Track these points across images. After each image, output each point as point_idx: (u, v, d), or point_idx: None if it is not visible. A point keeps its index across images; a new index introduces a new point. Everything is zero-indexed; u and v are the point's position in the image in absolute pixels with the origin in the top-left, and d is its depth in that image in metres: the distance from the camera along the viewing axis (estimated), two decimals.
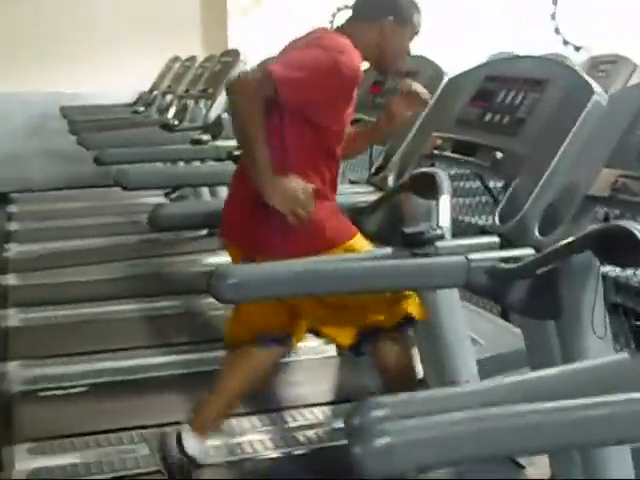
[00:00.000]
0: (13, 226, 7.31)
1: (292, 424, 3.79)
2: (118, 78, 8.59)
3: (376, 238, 3.36)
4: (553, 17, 9.21)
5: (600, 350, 2.55)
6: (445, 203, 2.96)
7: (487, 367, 3.77)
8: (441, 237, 2.65)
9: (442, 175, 3.06)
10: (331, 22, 9.13)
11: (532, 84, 3.03)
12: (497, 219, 2.83)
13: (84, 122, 7.39)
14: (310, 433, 3.68)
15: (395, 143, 3.68)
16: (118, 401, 4.02)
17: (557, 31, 9.20)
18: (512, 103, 3.07)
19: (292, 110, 2.85)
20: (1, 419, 3.86)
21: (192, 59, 7.77)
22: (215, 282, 2.40)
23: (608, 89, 7.26)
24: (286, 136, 2.91)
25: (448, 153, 3.27)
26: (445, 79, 3.66)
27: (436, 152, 3.33)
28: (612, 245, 2.24)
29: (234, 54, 6.70)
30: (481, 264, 2.54)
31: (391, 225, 3.33)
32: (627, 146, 2.51)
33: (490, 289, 2.56)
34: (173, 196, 7.07)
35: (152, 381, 4.22)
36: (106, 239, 6.76)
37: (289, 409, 3.89)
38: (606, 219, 2.57)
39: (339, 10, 9.18)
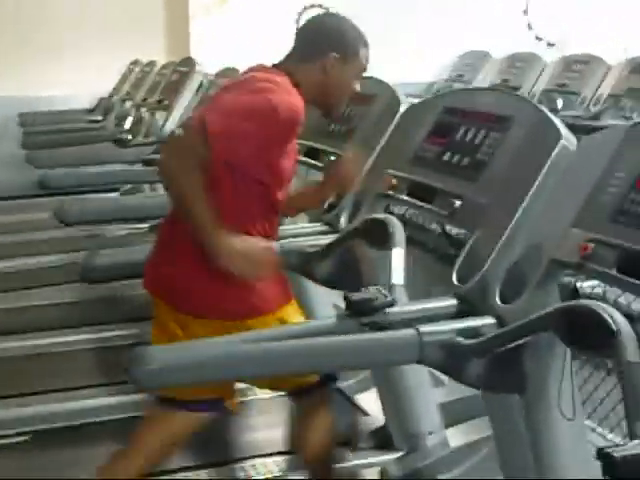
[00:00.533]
0: None
1: None
2: (81, 81, 8.25)
3: (328, 285, 3.08)
4: (525, 12, 8.89)
5: (570, 431, 2.27)
6: (398, 257, 2.65)
7: (451, 411, 3.52)
8: (391, 304, 2.34)
9: (395, 223, 2.75)
10: (297, 21, 8.77)
11: (494, 121, 2.73)
12: (454, 278, 2.52)
13: (37, 134, 7.07)
14: None
15: None
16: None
17: (530, 27, 8.90)
18: (472, 141, 2.78)
19: (227, 164, 2.53)
20: None
21: (151, 64, 7.45)
22: (134, 368, 2.09)
23: (581, 91, 7.02)
24: (223, 191, 2.59)
25: (403, 196, 2.95)
26: (402, 108, 3.34)
27: (391, 193, 3.01)
28: (576, 326, 1.93)
29: (190, 63, 6.37)
30: (435, 338, 2.23)
31: (344, 272, 3.00)
32: (598, 203, 2.21)
33: (446, 366, 2.26)
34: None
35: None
36: (48, 257, 6.29)
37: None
38: (575, 290, 2.25)
39: (305, 8, 8.82)
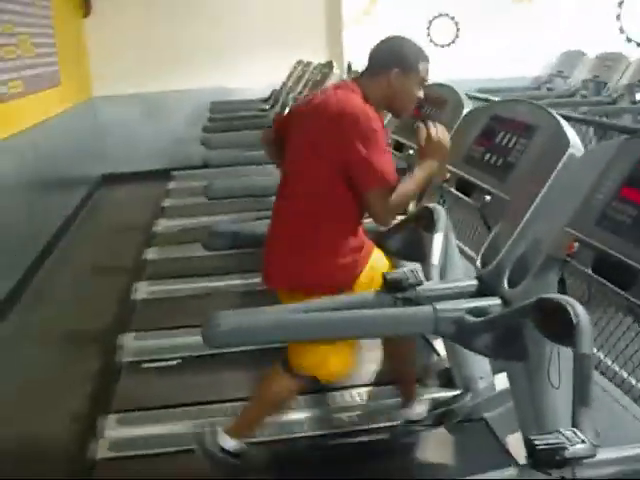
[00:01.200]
0: (167, 202, 7.05)
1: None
2: (260, 76, 8.31)
3: (399, 257, 3.01)
4: (618, 18, 8.28)
5: (555, 397, 2.12)
6: (438, 241, 2.55)
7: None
8: (419, 283, 2.24)
9: (440, 212, 2.65)
10: (428, 28, 8.49)
11: (524, 129, 2.55)
12: (479, 262, 2.38)
13: (217, 120, 7.16)
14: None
15: None
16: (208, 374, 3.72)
17: (621, 30, 8.28)
18: (507, 146, 2.61)
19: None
20: (102, 389, 3.68)
21: (308, 64, 7.37)
22: (206, 330, 2.10)
23: None
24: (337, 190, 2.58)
25: (452, 189, 2.80)
26: (464, 112, 3.16)
27: (445, 185, 2.87)
28: (548, 317, 1.78)
29: (330, 65, 6.28)
30: (448, 314, 2.12)
31: (410, 247, 2.89)
32: (590, 206, 2.03)
33: (457, 338, 2.15)
34: None
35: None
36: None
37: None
38: (563, 282, 2.07)
39: (434, 18, 8.51)
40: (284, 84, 7.79)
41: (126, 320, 4.45)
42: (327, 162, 2.53)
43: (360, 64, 5.78)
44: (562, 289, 2.04)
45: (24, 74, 5.90)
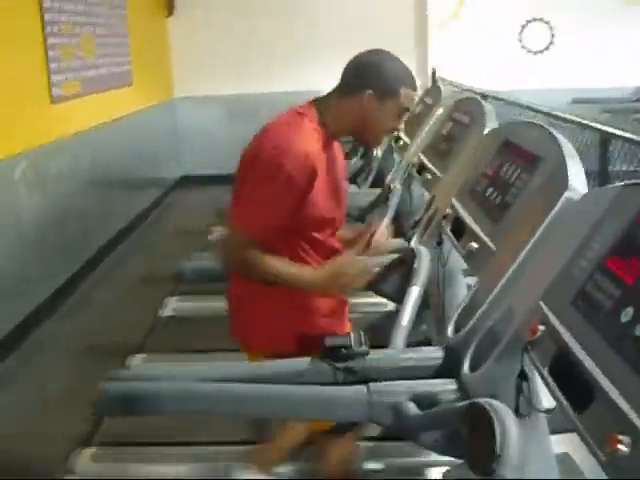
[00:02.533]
0: None
1: None
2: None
3: (393, 302, 2.49)
4: None
5: None
6: (412, 296, 2.07)
7: None
8: (364, 353, 1.76)
9: (422, 256, 2.17)
10: (520, 33, 7.81)
11: (530, 160, 2.00)
12: (451, 325, 1.87)
13: None
14: None
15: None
16: None
17: None
18: (509, 180, 2.08)
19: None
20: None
21: None
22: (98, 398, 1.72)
23: None
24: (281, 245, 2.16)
25: (447, 229, 2.29)
26: (485, 131, 2.63)
27: (443, 224, 2.35)
28: (475, 423, 1.27)
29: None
30: (385, 399, 1.63)
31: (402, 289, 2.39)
32: (569, 275, 1.47)
33: (395, 428, 1.66)
34: None
35: None
36: None
37: None
38: (523, 374, 1.52)
39: (528, 22, 7.81)
40: None
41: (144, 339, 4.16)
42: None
43: (445, 70, 5.20)
44: (520, 386, 1.49)
45: (83, 75, 5.69)
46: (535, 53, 7.96)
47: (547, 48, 7.94)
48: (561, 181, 1.74)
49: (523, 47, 7.89)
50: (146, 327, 4.39)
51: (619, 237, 1.39)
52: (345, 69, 2.19)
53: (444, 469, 2.71)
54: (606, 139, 3.23)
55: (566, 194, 1.70)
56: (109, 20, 6.40)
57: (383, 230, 2.32)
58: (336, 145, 2.28)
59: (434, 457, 2.81)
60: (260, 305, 2.17)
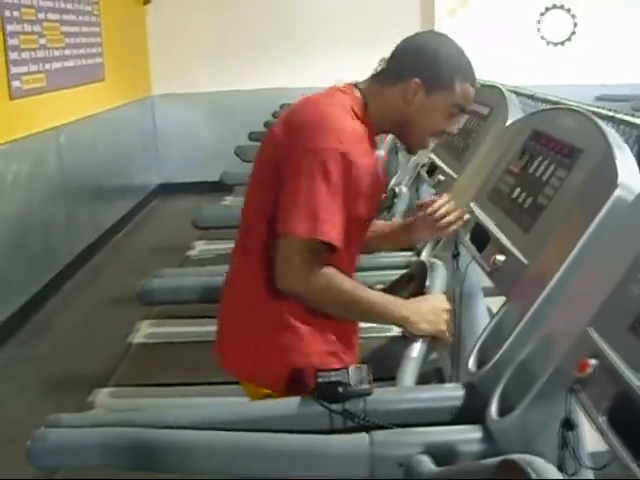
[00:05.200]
0: None
1: None
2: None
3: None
4: None
5: None
6: None
7: None
8: (367, 393, 1.55)
9: (437, 270, 2.00)
10: (538, 22, 7.64)
11: (566, 154, 1.80)
12: (472, 358, 1.65)
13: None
14: None
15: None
16: None
17: None
18: (541, 177, 1.89)
19: None
20: None
21: None
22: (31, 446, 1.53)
23: None
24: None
25: (466, 238, 2.08)
26: (508, 123, 2.43)
27: (461, 232, 2.15)
28: None
29: None
30: (392, 452, 1.41)
31: None
32: (626, 295, 1.26)
33: None
34: None
35: None
36: None
37: None
38: (568, 422, 1.29)
39: (547, 10, 7.66)
40: None
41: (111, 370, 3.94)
42: (268, 197, 1.86)
43: None
44: (565, 436, 1.27)
45: (48, 67, 5.52)
46: (555, 45, 7.79)
47: (568, 39, 7.77)
48: (609, 177, 1.54)
49: (542, 38, 7.74)
50: (115, 356, 4.16)
51: None
52: (393, 51, 1.95)
53: None
54: None
55: (616, 193, 1.51)
56: (78, 6, 6.23)
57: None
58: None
59: None
60: (252, 323, 1.93)
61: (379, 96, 1.92)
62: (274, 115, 7.26)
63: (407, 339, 1.86)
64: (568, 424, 1.26)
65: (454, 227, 2.06)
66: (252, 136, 6.23)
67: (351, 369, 1.59)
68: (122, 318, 4.77)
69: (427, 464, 1.39)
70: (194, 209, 7.13)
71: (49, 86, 5.55)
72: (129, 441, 1.50)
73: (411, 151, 2.12)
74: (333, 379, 1.57)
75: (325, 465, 1.48)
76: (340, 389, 1.56)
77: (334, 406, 1.57)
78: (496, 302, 2.50)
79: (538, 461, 1.08)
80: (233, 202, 5.93)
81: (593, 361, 1.21)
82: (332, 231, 1.74)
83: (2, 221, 4.67)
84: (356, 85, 1.97)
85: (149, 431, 1.54)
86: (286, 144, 1.84)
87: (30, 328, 4.80)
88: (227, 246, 5.27)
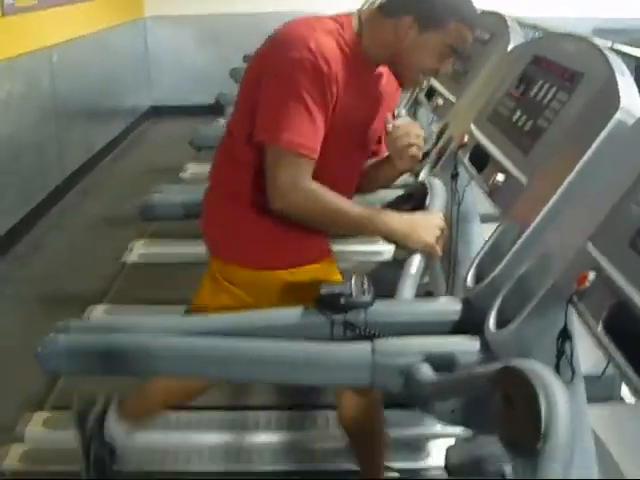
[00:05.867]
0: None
1: None
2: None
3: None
4: None
5: None
6: None
7: None
8: (367, 304, 1.59)
9: (437, 189, 2.03)
10: None
11: (568, 78, 1.82)
12: (470, 274, 1.70)
13: None
14: None
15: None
16: None
17: None
18: (542, 101, 1.91)
19: None
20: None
21: None
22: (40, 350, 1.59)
23: None
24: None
25: (466, 160, 2.11)
26: (509, 48, 2.44)
27: (460, 153, 2.18)
28: (512, 391, 1.12)
29: None
30: (393, 361, 1.47)
31: None
32: (627, 212, 1.30)
33: (405, 395, 1.50)
34: None
35: None
36: None
37: None
38: (565, 331, 1.35)
39: None
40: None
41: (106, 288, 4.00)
42: (249, 102, 1.91)
43: None
44: (562, 346, 1.33)
45: None
46: None
47: None
48: (610, 100, 1.57)
49: None
50: (109, 275, 4.21)
51: None
52: None
53: (449, 442, 2.60)
54: None
55: (617, 115, 1.53)
56: None
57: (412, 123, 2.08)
58: (384, 76, 2.05)
59: (437, 429, 2.70)
60: (248, 218, 2.01)
61: (375, 27, 1.93)
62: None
63: (398, 262, 1.91)
64: (565, 334, 1.31)
65: (414, 150, 2.01)
66: (246, 59, 6.15)
67: (353, 281, 1.64)
68: (114, 238, 4.81)
69: (427, 372, 1.44)
70: (186, 131, 7.14)
71: (40, 4, 5.47)
72: (138, 347, 1.55)
73: (403, 86, 2.14)
74: (335, 290, 1.62)
75: (327, 371, 1.54)
76: (342, 300, 1.60)
77: (336, 316, 1.62)
78: (490, 228, 2.57)
79: (540, 367, 1.13)
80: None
81: (592, 274, 1.26)
82: (309, 142, 1.81)
83: None
84: (358, 14, 1.98)
85: (157, 338, 1.58)
86: (265, 59, 1.90)
87: (21, 248, 4.81)
88: None
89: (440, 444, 2.63)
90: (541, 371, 1.11)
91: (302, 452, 2.71)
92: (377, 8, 1.96)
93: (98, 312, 3.65)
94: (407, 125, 2.02)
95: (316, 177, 1.86)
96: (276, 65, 1.83)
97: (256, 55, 1.96)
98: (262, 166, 1.88)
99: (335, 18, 1.96)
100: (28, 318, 3.81)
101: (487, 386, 1.20)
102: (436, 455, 2.62)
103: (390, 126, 2.00)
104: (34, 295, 4.11)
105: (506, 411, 1.12)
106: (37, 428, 2.87)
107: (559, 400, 1.05)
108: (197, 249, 4.18)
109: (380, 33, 1.92)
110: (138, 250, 4.45)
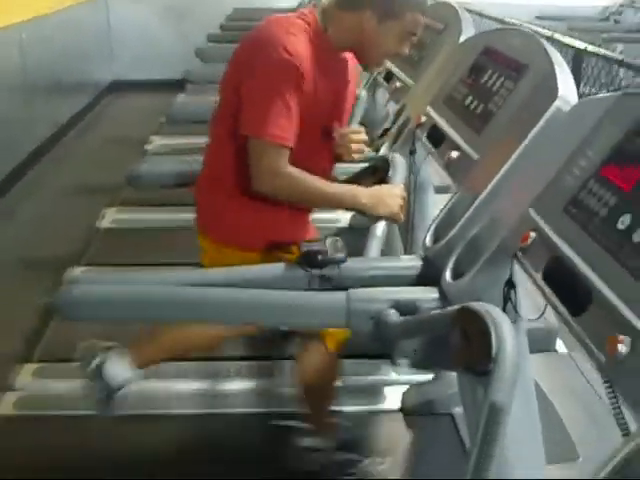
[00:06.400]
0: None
1: None
2: None
3: None
4: None
5: None
6: None
7: None
8: (341, 261, 1.81)
9: (397, 163, 2.26)
10: None
11: (514, 68, 2.04)
12: (429, 236, 1.92)
13: (228, 29, 6.65)
14: None
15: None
16: None
17: None
18: (491, 88, 2.12)
19: None
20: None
21: None
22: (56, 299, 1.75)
23: None
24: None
25: (423, 137, 2.33)
26: (462, 39, 2.65)
27: (417, 132, 2.39)
28: (468, 326, 1.34)
29: None
30: (365, 306, 1.68)
31: None
32: (561, 183, 1.53)
33: (374, 337, 1.71)
34: None
35: None
36: None
37: None
38: (510, 282, 1.59)
39: None
40: None
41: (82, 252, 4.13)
42: (232, 98, 2.10)
43: None
44: (508, 293, 1.57)
45: None
46: None
47: None
48: (550, 90, 1.78)
49: None
50: (83, 239, 4.34)
51: (615, 146, 1.45)
52: None
53: (403, 388, 2.84)
54: (579, 57, 3.28)
55: (556, 103, 1.75)
56: None
57: (356, 129, 2.30)
58: (348, 61, 2.25)
59: (393, 376, 2.93)
60: (233, 202, 2.19)
61: (337, 20, 2.13)
62: (228, 18, 7.32)
63: (354, 229, 2.14)
64: (511, 283, 1.55)
65: (357, 155, 2.26)
66: (210, 37, 6.29)
67: (329, 241, 1.85)
68: (86, 206, 4.92)
69: (394, 316, 1.66)
70: (148, 105, 7.25)
71: None
72: (147, 295, 1.74)
73: (368, 69, 2.35)
74: (314, 248, 1.83)
75: (310, 316, 1.74)
76: (320, 257, 1.81)
77: (314, 271, 1.83)
78: (441, 198, 2.81)
79: (490, 307, 1.35)
80: (186, 99, 6.05)
81: (533, 234, 1.49)
82: (285, 133, 2.00)
83: None
84: (322, 7, 2.17)
85: (164, 287, 1.77)
86: (246, 58, 2.08)
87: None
88: (181, 141, 5.49)
89: (396, 390, 2.86)
90: (492, 310, 1.34)
91: (268, 397, 2.91)
92: (335, 4, 2.15)
93: (77, 273, 3.79)
94: (351, 133, 2.25)
95: (297, 157, 2.06)
96: (256, 66, 2.02)
97: (236, 56, 2.14)
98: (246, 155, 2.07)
99: (301, 17, 2.13)
100: (9, 282, 3.92)
101: (447, 324, 1.42)
102: (392, 399, 2.84)
103: (337, 134, 2.22)
104: (11, 260, 4.21)
105: (463, 342, 1.34)
106: (26, 378, 3.02)
107: (506, 333, 1.27)
108: (163, 216, 4.42)
109: (343, 25, 2.12)
110: (110, 217, 4.58)
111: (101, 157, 6.08)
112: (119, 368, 2.34)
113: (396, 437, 2.71)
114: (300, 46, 2.03)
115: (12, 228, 4.72)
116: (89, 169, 5.81)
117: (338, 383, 2.49)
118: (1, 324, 3.49)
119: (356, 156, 2.24)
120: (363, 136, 2.24)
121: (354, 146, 2.22)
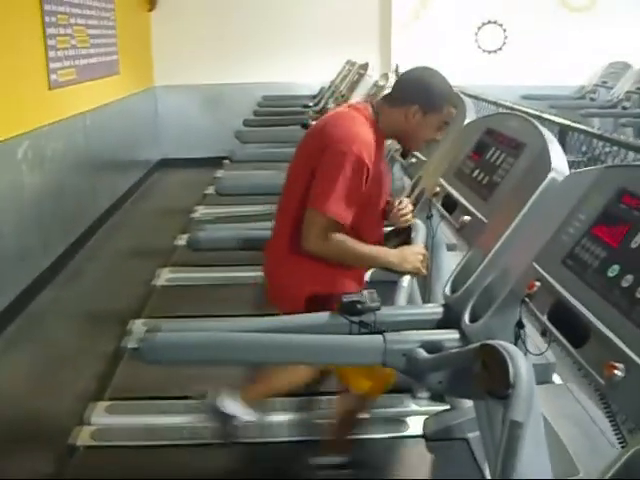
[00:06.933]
0: (210, 189, 6.71)
1: None
2: (311, 73, 7.98)
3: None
4: None
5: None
6: None
7: None
8: (377, 308, 1.92)
9: (418, 228, 2.33)
10: (476, 34, 8.00)
11: (514, 146, 2.17)
12: (448, 287, 2.03)
13: (260, 114, 6.85)
14: None
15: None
16: None
17: None
18: (494, 163, 2.24)
19: None
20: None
21: (353, 64, 6.97)
22: (140, 344, 1.85)
23: None
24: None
25: (439, 205, 2.45)
26: (466, 121, 2.79)
27: (434, 200, 2.52)
28: (487, 367, 1.44)
29: (365, 67, 5.88)
30: (398, 346, 1.79)
31: None
32: (559, 241, 1.65)
33: (407, 371, 1.82)
34: None
35: None
36: None
37: None
38: (521, 324, 1.70)
39: (483, 24, 8.02)
40: (332, 82, 7.44)
41: (141, 306, 4.25)
42: (307, 175, 2.23)
43: (408, 66, 5.38)
44: (518, 332, 1.68)
45: (77, 63, 5.72)
46: (490, 52, 8.17)
47: (500, 48, 8.16)
48: (545, 164, 1.91)
49: (479, 47, 8.10)
50: (142, 296, 4.46)
51: (603, 210, 1.57)
52: (397, 81, 2.34)
53: (424, 417, 2.91)
54: (564, 132, 3.41)
55: (550, 175, 1.88)
56: (99, 13, 6.40)
57: (404, 203, 2.45)
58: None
59: (415, 407, 3.01)
60: (298, 273, 2.30)
61: (386, 113, 2.28)
62: (259, 105, 7.57)
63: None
64: (520, 324, 1.65)
65: (410, 221, 2.42)
66: (246, 122, 6.50)
67: (365, 292, 1.96)
68: (141, 267, 5.05)
69: (423, 353, 1.77)
70: (190, 179, 7.46)
71: (78, 79, 5.75)
72: (219, 341, 1.84)
73: (406, 154, 2.50)
74: (354, 299, 1.94)
75: (353, 355, 1.84)
76: (359, 306, 1.93)
77: (353, 318, 1.94)
78: (451, 255, 2.93)
79: (506, 344, 1.46)
80: (226, 175, 6.23)
81: (537, 283, 1.60)
82: (343, 212, 2.13)
83: (43, 186, 4.88)
84: (371, 103, 2.34)
85: (233, 334, 1.88)
86: (321, 146, 2.20)
87: (66, 273, 5.04)
88: (223, 210, 5.64)
89: (418, 419, 2.93)
90: (507, 346, 1.44)
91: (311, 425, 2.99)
92: (384, 99, 2.33)
93: (138, 325, 3.90)
94: (404, 205, 2.42)
95: (363, 228, 2.25)
96: (330, 154, 2.15)
97: (307, 143, 2.30)
98: None
99: (360, 112, 2.28)
100: (80, 331, 4.05)
101: (470, 358, 1.53)
102: (415, 427, 2.92)
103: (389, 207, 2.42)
104: (81, 312, 4.34)
105: (484, 372, 1.45)
106: (101, 414, 3.11)
107: (521, 363, 1.38)
108: (210, 274, 4.54)
109: (392, 119, 2.27)
110: (165, 276, 4.70)
111: (153, 224, 6.25)
112: (232, 404, 2.50)
113: (419, 459, 2.78)
114: (369, 136, 2.19)
115: (79, 286, 4.85)
116: (143, 234, 5.97)
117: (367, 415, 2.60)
118: (75, 368, 3.61)
119: (405, 223, 2.39)
120: (410, 207, 2.40)
121: (404, 216, 2.39)
